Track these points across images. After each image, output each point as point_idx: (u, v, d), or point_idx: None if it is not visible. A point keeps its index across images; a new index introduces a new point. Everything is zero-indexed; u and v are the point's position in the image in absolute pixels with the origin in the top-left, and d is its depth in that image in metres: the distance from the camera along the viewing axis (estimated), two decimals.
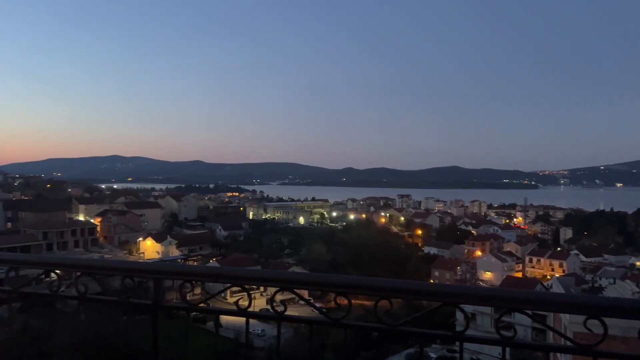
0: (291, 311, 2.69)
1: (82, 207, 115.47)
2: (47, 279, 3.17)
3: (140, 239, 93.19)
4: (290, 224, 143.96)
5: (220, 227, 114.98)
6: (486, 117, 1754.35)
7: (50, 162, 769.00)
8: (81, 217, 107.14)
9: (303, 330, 41.16)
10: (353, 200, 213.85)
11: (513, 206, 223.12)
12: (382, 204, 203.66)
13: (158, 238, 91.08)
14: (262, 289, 3.42)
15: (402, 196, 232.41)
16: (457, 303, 2.25)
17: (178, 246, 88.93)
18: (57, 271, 3.02)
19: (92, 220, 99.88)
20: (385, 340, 44.36)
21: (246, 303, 2.62)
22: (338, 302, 2.54)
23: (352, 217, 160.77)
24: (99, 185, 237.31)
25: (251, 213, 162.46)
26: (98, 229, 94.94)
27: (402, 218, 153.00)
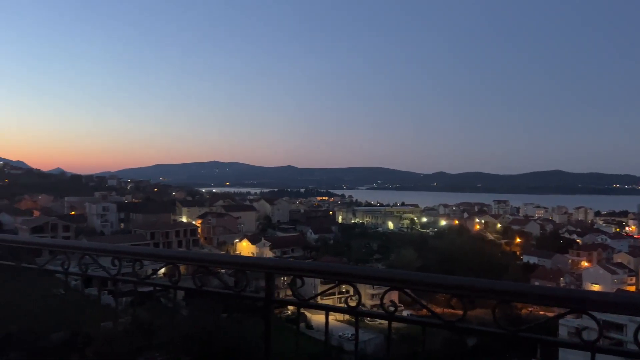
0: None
1: (184, 209, 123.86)
2: (154, 276, 3.38)
3: (237, 240, 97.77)
4: (379, 229, 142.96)
5: (310, 231, 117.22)
6: (593, 118, 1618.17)
7: (157, 167, 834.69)
8: (184, 219, 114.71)
9: (393, 337, 40.59)
10: (445, 205, 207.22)
11: (624, 214, 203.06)
12: (476, 209, 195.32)
13: (253, 240, 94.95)
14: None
15: (498, 202, 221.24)
16: (589, 310, 2.06)
17: (271, 248, 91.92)
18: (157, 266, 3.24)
19: (193, 222, 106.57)
20: (482, 350, 42.41)
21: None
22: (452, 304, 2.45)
23: (443, 223, 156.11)
24: (200, 189, 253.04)
25: (340, 217, 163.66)
26: (199, 230, 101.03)
27: (499, 225, 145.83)
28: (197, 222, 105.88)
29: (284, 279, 3.53)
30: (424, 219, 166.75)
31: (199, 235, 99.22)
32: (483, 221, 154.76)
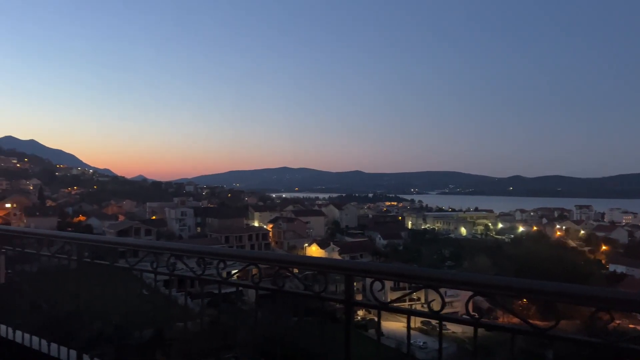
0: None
1: (256, 214, 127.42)
2: (230, 278, 3.48)
3: (306, 244, 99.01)
4: (451, 235, 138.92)
5: (379, 236, 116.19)
6: None
7: (231, 174, 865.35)
8: (256, 223, 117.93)
9: (467, 347, 39.03)
10: (522, 211, 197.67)
11: None
12: (556, 215, 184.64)
13: (322, 244, 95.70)
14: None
15: (580, 207, 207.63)
16: None
17: (340, 253, 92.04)
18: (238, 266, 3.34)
19: (265, 226, 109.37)
20: None
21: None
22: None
23: (521, 229, 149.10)
24: (271, 194, 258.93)
25: (410, 222, 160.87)
26: (270, 234, 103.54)
27: (582, 231, 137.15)
28: (269, 227, 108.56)
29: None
30: (499, 225, 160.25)
31: (270, 239, 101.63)
32: (564, 227, 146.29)
